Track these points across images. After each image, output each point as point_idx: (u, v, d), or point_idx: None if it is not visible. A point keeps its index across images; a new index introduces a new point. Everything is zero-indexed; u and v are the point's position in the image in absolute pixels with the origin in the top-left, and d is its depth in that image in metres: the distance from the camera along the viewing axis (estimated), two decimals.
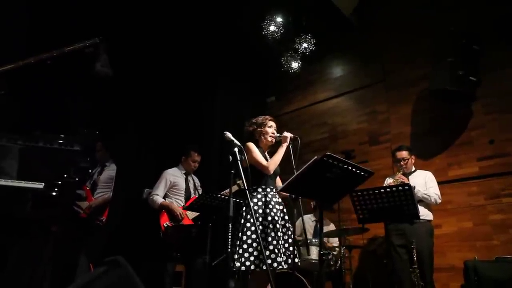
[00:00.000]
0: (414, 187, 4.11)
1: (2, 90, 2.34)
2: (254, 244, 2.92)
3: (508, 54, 4.60)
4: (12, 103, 2.70)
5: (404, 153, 4.39)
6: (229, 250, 2.69)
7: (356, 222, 3.22)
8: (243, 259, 2.88)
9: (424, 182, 4.28)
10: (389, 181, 4.36)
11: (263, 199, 3.13)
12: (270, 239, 2.98)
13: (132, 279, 1.45)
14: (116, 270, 1.43)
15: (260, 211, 3.07)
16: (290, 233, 3.17)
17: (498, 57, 4.65)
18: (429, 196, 4.16)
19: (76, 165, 2.22)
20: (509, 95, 4.52)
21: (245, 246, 2.92)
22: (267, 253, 2.91)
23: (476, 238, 4.46)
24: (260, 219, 3.05)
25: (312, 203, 4.99)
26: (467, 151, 4.74)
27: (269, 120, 3.41)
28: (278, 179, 3.40)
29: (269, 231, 3.01)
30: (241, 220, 3.03)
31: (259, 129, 3.35)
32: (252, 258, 2.89)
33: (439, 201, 4.20)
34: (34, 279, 2.27)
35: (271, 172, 3.18)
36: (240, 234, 2.97)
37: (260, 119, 3.41)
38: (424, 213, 4.12)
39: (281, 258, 2.94)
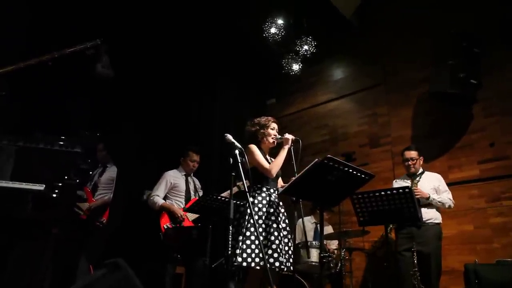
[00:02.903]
0: (429, 196, 4.07)
1: (3, 91, 2.35)
2: (256, 242, 2.91)
3: (509, 56, 4.60)
4: (13, 105, 2.70)
5: (413, 153, 4.36)
6: (230, 246, 2.69)
7: (356, 225, 3.22)
8: (245, 255, 2.86)
9: (432, 186, 4.22)
10: (397, 183, 4.34)
11: (268, 198, 3.13)
12: (272, 238, 2.96)
13: (131, 281, 1.45)
14: (116, 272, 1.43)
15: (264, 209, 3.07)
16: (290, 237, 3.18)
17: (498, 60, 4.65)
18: (443, 203, 4.10)
19: (76, 166, 2.22)
20: (509, 98, 4.52)
21: (248, 242, 2.91)
22: (269, 252, 2.90)
23: (476, 241, 4.46)
24: (263, 217, 3.04)
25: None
26: (468, 154, 4.74)
27: (272, 121, 3.39)
28: (280, 180, 3.40)
29: (272, 230, 3.00)
30: (244, 217, 3.02)
31: (261, 131, 3.33)
32: (253, 255, 2.88)
33: (452, 205, 4.15)
34: (34, 280, 2.27)
35: (274, 175, 3.17)
36: (244, 230, 2.95)
37: (263, 120, 3.38)
38: (434, 216, 4.10)
39: (283, 258, 2.94)
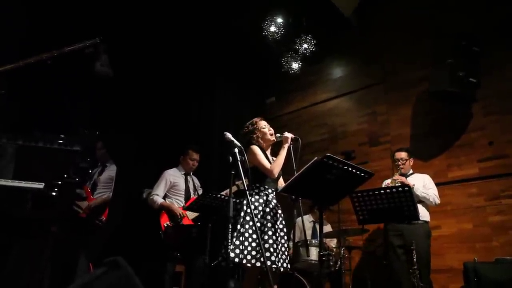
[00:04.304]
0: (414, 185, 4.14)
1: (2, 89, 2.34)
2: (250, 239, 2.92)
3: (508, 56, 4.59)
4: (12, 103, 2.70)
5: (403, 154, 4.47)
6: (229, 241, 2.70)
7: (355, 223, 3.22)
8: (237, 251, 2.87)
9: (422, 185, 4.31)
10: (387, 182, 4.39)
11: (264, 197, 3.13)
12: (266, 237, 2.98)
13: (131, 280, 1.45)
14: (115, 271, 1.43)
15: (260, 208, 3.08)
16: (286, 238, 3.19)
17: (498, 59, 4.65)
18: (428, 195, 4.20)
19: (76, 165, 2.22)
20: (509, 97, 4.52)
21: (242, 238, 2.92)
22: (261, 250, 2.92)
23: (475, 239, 4.46)
24: (259, 216, 3.05)
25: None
26: (467, 152, 4.74)
27: (259, 121, 3.35)
28: (281, 179, 3.40)
29: (266, 229, 3.01)
30: (240, 214, 3.03)
31: (254, 136, 3.29)
32: (245, 252, 2.89)
33: (437, 201, 4.24)
34: (33, 279, 2.27)
35: (276, 175, 3.16)
36: (238, 227, 2.97)
37: (250, 126, 3.35)
38: (422, 214, 4.13)
39: (275, 258, 2.94)
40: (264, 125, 3.34)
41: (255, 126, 3.33)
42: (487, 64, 4.58)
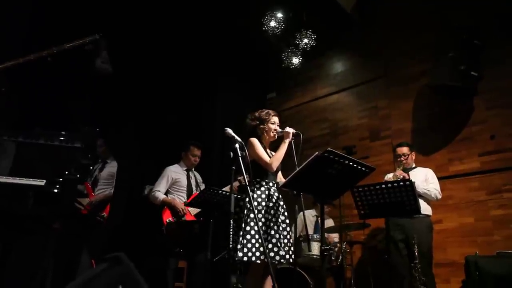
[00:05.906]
0: (414, 182, 4.13)
1: (2, 87, 2.34)
2: (257, 236, 2.93)
3: (510, 49, 4.57)
4: (13, 100, 2.70)
5: (404, 149, 4.45)
6: (232, 241, 2.70)
7: (357, 218, 3.23)
8: (245, 250, 2.88)
9: (424, 179, 4.31)
10: (388, 176, 4.39)
11: (266, 192, 3.14)
12: (272, 232, 2.99)
13: (133, 276, 1.45)
14: (117, 267, 1.43)
15: (263, 203, 3.08)
16: (289, 229, 3.20)
17: (499, 52, 4.63)
18: (429, 191, 4.20)
19: (77, 162, 2.22)
20: (510, 90, 4.50)
21: (248, 236, 2.93)
22: (270, 246, 2.93)
23: (477, 233, 4.46)
24: (263, 211, 3.05)
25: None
26: (468, 146, 4.74)
27: (273, 115, 3.36)
28: (280, 174, 3.40)
29: (271, 224, 3.02)
30: (244, 211, 3.03)
31: (261, 126, 3.32)
32: (254, 250, 2.90)
33: (439, 196, 4.24)
34: (36, 275, 2.28)
35: (274, 169, 3.17)
36: (243, 225, 2.97)
37: (263, 114, 3.35)
38: (423, 208, 4.13)
39: (283, 252, 2.95)
40: (273, 121, 3.34)
41: (267, 118, 3.33)
42: (489, 57, 4.56)
